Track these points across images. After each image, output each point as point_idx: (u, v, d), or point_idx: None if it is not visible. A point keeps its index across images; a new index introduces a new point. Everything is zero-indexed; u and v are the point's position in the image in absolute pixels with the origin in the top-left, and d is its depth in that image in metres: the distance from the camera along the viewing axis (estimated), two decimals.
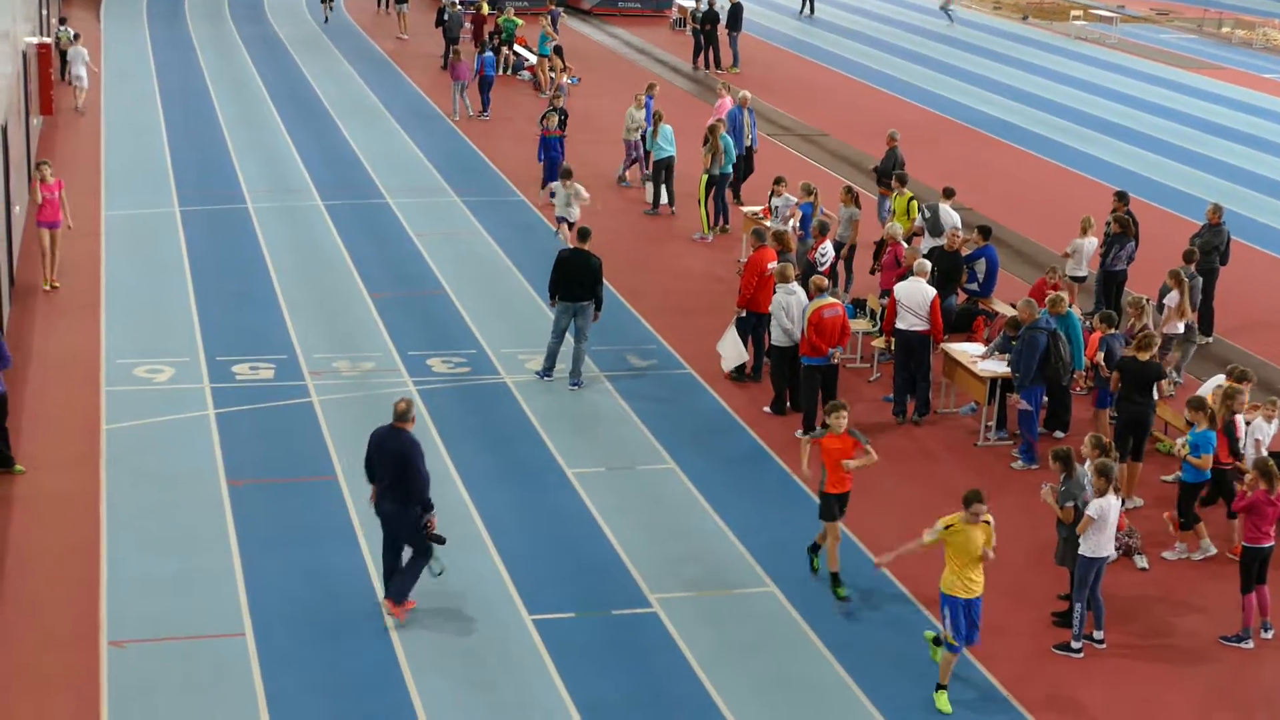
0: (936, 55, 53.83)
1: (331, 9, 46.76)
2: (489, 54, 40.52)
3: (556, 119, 32.40)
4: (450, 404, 21.54)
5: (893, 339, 22.16)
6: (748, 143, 32.34)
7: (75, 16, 50.69)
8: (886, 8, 65.73)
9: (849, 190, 26.76)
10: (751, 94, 34.00)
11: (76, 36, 41.00)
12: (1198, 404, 18.32)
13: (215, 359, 22.63)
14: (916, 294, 21.74)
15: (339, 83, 43.29)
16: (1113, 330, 20.71)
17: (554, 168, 30.88)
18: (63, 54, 39.96)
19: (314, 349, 23.21)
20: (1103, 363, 20.49)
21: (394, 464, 15.76)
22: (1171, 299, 22.51)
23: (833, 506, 16.91)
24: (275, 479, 19.07)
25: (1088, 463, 16.48)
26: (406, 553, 16.06)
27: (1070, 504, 16.09)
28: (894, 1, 67.98)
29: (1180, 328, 22.80)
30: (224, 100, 40.50)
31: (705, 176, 30.10)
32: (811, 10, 61.58)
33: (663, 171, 31.37)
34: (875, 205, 30.23)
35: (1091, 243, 25.31)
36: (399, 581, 16.02)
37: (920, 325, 21.69)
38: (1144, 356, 19.36)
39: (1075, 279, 24.93)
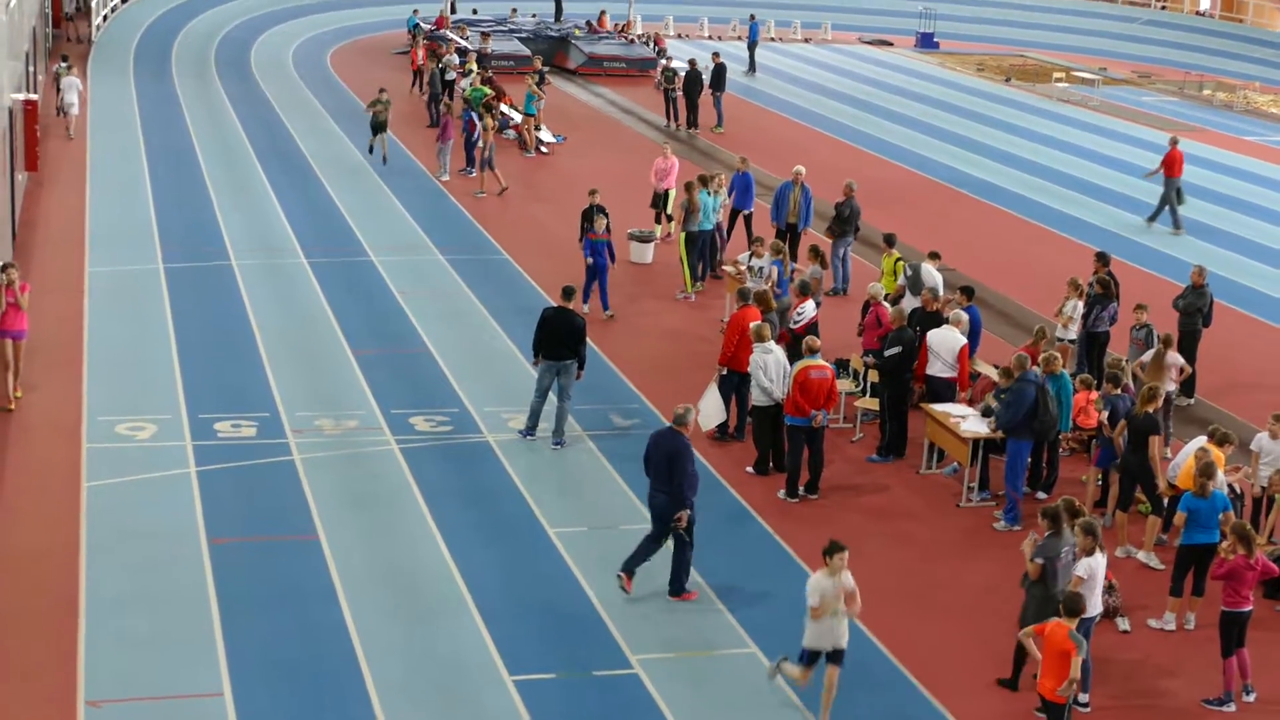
0: (921, 117, 54.08)
1: (379, 146, 40.37)
2: (473, 113, 40.49)
3: (605, 221, 28.49)
4: (433, 463, 21.50)
5: (923, 384, 22.87)
6: (793, 220, 31.38)
7: None
8: (867, 68, 66.07)
9: (814, 250, 26.99)
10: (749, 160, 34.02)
11: (70, 67, 43.91)
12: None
13: (197, 416, 22.58)
14: (948, 341, 22.43)
15: (324, 140, 43.39)
16: (1118, 391, 20.71)
17: (601, 273, 28.29)
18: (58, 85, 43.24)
19: (296, 407, 23.18)
20: (1106, 423, 20.47)
21: (666, 462, 17.61)
22: (1174, 359, 22.71)
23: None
24: (256, 537, 19.01)
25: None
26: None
27: (1039, 560, 16.04)
28: (876, 62, 68.36)
29: (1171, 388, 22.94)
30: (209, 157, 40.58)
31: (684, 234, 30.15)
32: (752, 69, 61.62)
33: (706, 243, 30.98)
34: (830, 253, 30.57)
35: (1079, 305, 25.40)
36: (674, 577, 17.91)
37: (948, 372, 22.39)
38: (1146, 409, 19.40)
39: (1068, 341, 24.99)
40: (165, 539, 18.76)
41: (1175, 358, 22.84)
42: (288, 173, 39.22)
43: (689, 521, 17.72)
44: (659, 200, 33.29)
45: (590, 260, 28.30)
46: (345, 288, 29.43)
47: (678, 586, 17.96)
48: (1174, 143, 39.06)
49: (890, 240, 27.98)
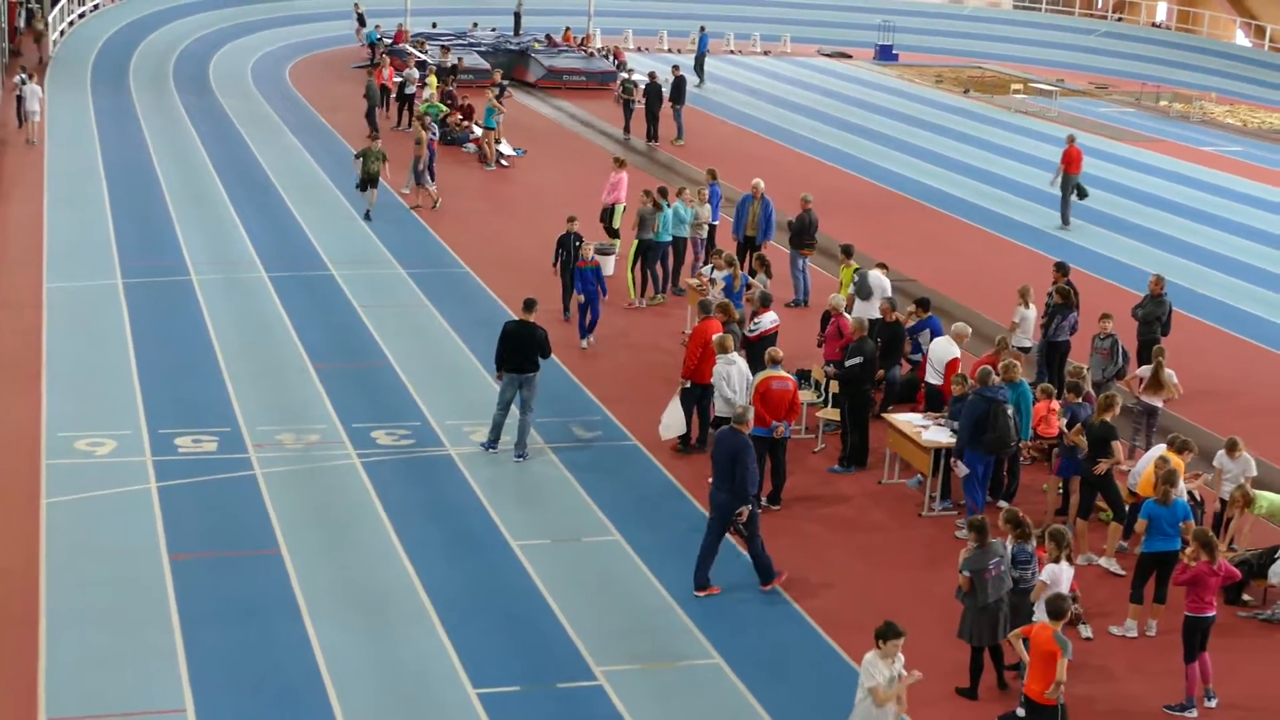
0: (880, 129, 54.27)
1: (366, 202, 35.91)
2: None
3: (593, 248, 28.20)
4: (395, 476, 21.45)
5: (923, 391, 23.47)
6: (751, 233, 31.35)
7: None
8: (826, 80, 66.28)
9: (761, 259, 27.41)
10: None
11: (31, 75, 44.46)
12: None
13: (157, 432, 22.47)
14: (939, 351, 22.88)
15: (284, 155, 43.28)
16: (1078, 400, 20.79)
17: (592, 302, 27.23)
18: (18, 98, 43.33)
19: (257, 421, 23.09)
20: (1067, 430, 20.57)
21: (728, 460, 18.26)
22: (1144, 371, 22.82)
23: None
24: (218, 553, 18.92)
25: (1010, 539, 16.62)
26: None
27: (966, 573, 16.12)
28: (835, 74, 68.59)
29: (1159, 402, 23.07)
30: (168, 171, 40.42)
31: (636, 243, 30.14)
32: (701, 80, 61.68)
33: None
34: (789, 264, 30.84)
35: (1033, 312, 25.57)
36: (760, 565, 18.73)
37: (938, 380, 22.84)
38: (1103, 418, 19.48)
39: (1021, 349, 25.09)
40: (126, 555, 18.65)
41: (1171, 374, 22.94)
42: (247, 187, 39.10)
43: (750, 516, 18.40)
44: (606, 214, 33.27)
45: (581, 295, 27.20)
46: (305, 302, 29.34)
47: (766, 575, 18.74)
48: (1071, 140, 40.04)
49: (848, 251, 28.10)
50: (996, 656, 16.68)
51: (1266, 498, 19.78)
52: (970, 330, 23.44)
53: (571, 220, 28.73)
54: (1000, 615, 16.28)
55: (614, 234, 33.07)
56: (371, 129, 34.11)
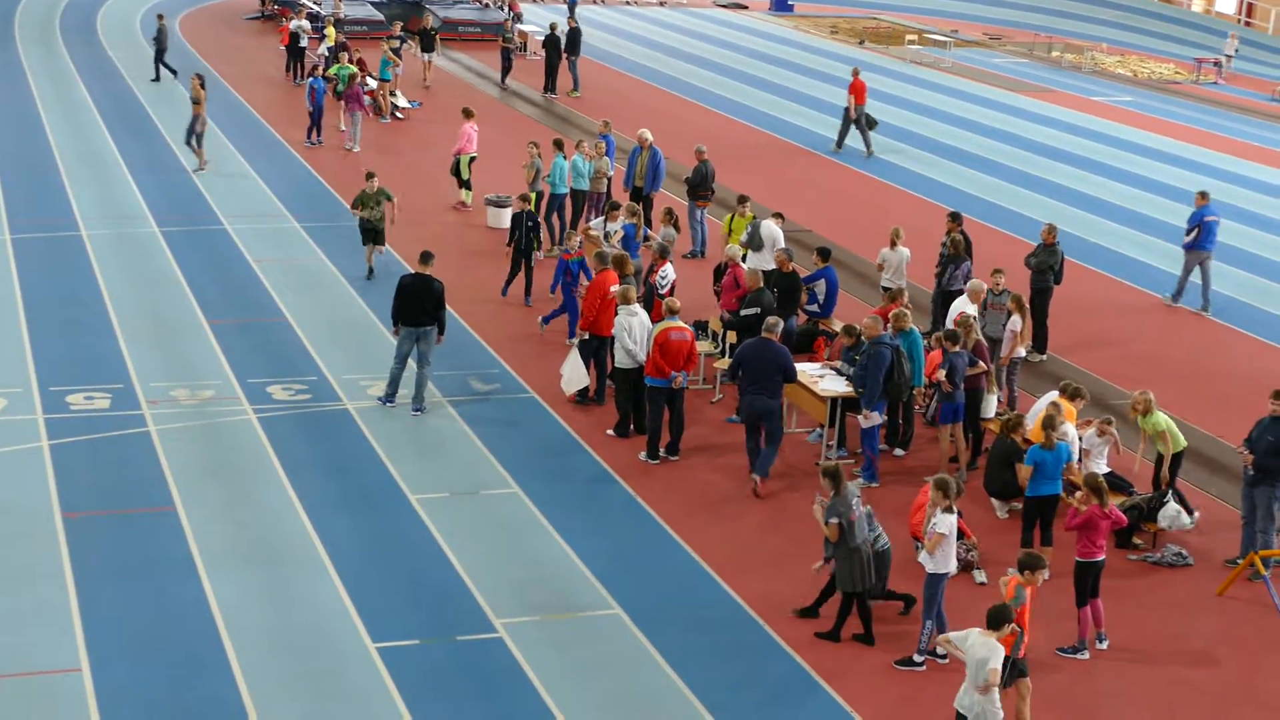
0: (776, 79, 54.38)
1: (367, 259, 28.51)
2: (319, 80, 39.86)
3: (578, 239, 26.41)
4: (291, 431, 21.32)
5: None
6: (639, 184, 31.42)
7: None
8: (722, 31, 66.28)
9: (669, 212, 27.11)
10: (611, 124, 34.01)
11: None
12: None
13: (48, 389, 22.18)
14: (955, 310, 22.89)
15: (175, 107, 42.66)
16: (956, 348, 20.99)
17: (570, 301, 25.03)
18: None
19: (151, 378, 22.85)
20: (944, 379, 20.80)
21: (773, 369, 20.17)
22: (1014, 324, 22.88)
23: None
24: (112, 510, 18.73)
25: (856, 483, 16.83)
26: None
27: (834, 520, 16.30)
28: (731, 25, 68.58)
29: (1022, 352, 23.24)
30: (56, 125, 39.77)
31: (534, 195, 30.06)
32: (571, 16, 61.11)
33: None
34: (687, 215, 30.94)
35: (899, 254, 25.72)
36: (765, 461, 20.32)
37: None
38: (1013, 436, 19.53)
39: (885, 290, 25.25)
40: (17, 514, 18.43)
41: (1016, 322, 22.96)
42: (138, 141, 38.55)
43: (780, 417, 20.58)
44: (455, 166, 33.31)
45: (561, 293, 25.28)
46: (199, 257, 29.02)
47: (766, 469, 20.43)
48: (856, 73, 42.43)
49: (743, 200, 28.12)
50: (861, 603, 16.79)
51: (1163, 419, 20.05)
52: (985, 287, 23.38)
53: (524, 199, 27.46)
54: (868, 558, 16.44)
55: (464, 184, 33.41)
56: (367, 176, 28.25)
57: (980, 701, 13.72)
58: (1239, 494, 19.47)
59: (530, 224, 26.90)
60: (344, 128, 39.06)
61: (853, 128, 42.38)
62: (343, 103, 39.27)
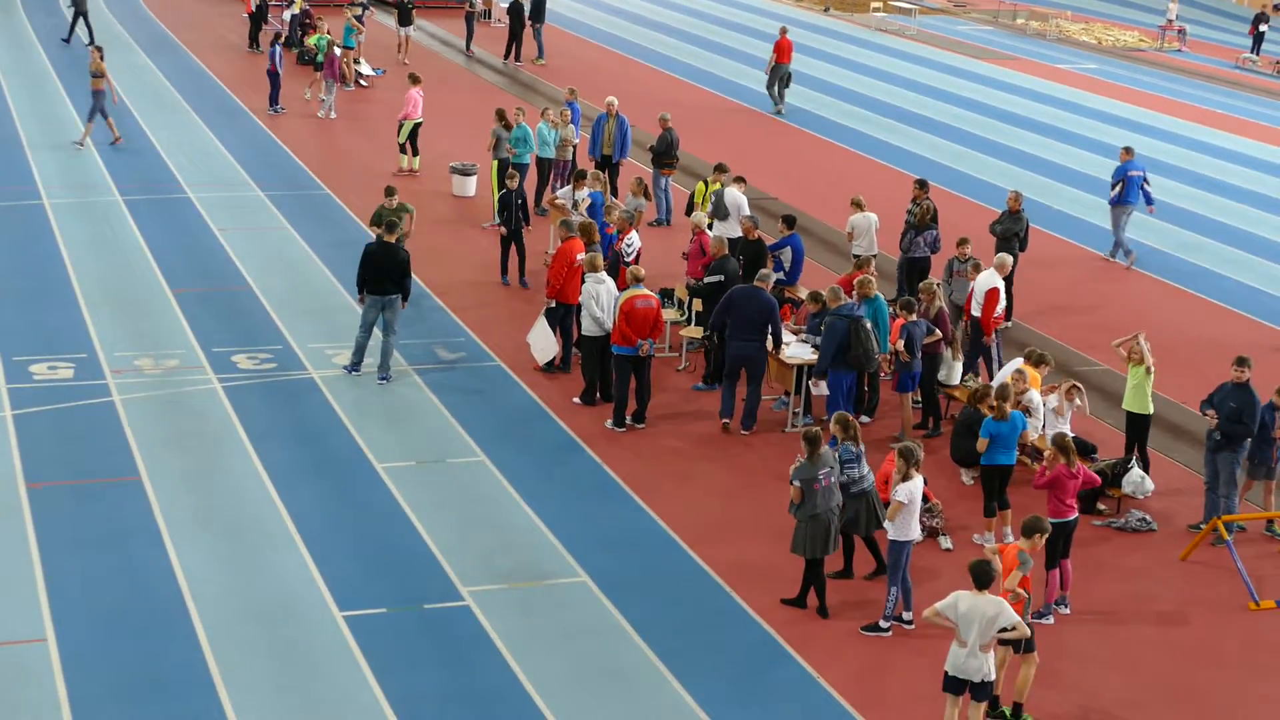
0: (740, 47, 54.29)
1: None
2: (277, 48, 39.54)
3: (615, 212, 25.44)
4: (257, 401, 21.25)
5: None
6: (608, 151, 31.34)
7: None
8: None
9: (639, 181, 27.09)
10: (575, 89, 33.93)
11: None
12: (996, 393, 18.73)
13: (12, 359, 22.05)
14: (981, 283, 22.74)
15: (137, 75, 42.39)
16: (913, 317, 21.05)
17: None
18: None
19: (115, 347, 22.74)
20: (903, 349, 20.86)
21: (760, 315, 20.83)
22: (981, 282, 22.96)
23: None
24: (76, 480, 18.65)
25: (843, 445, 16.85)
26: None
27: (796, 483, 16.34)
28: None
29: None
30: (17, 94, 39.43)
31: (495, 164, 29.96)
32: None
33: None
34: (652, 184, 30.83)
35: (868, 219, 25.74)
36: (750, 413, 21.09)
37: (977, 312, 22.82)
38: (978, 406, 19.50)
39: (855, 258, 25.28)
40: None
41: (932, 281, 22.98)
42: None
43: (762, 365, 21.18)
44: (400, 131, 33.33)
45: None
46: (162, 226, 28.86)
47: (749, 422, 21.22)
48: (784, 31, 43.69)
49: (721, 169, 27.93)
50: (816, 571, 16.80)
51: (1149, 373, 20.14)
52: (1012, 260, 23.40)
53: (512, 178, 26.67)
54: (830, 527, 16.45)
55: (414, 150, 33.48)
56: (387, 192, 25.33)
57: (984, 658, 13.86)
58: (1202, 460, 19.59)
59: (520, 202, 26.30)
60: (323, 96, 38.83)
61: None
62: (321, 72, 39.06)
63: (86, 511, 17.88)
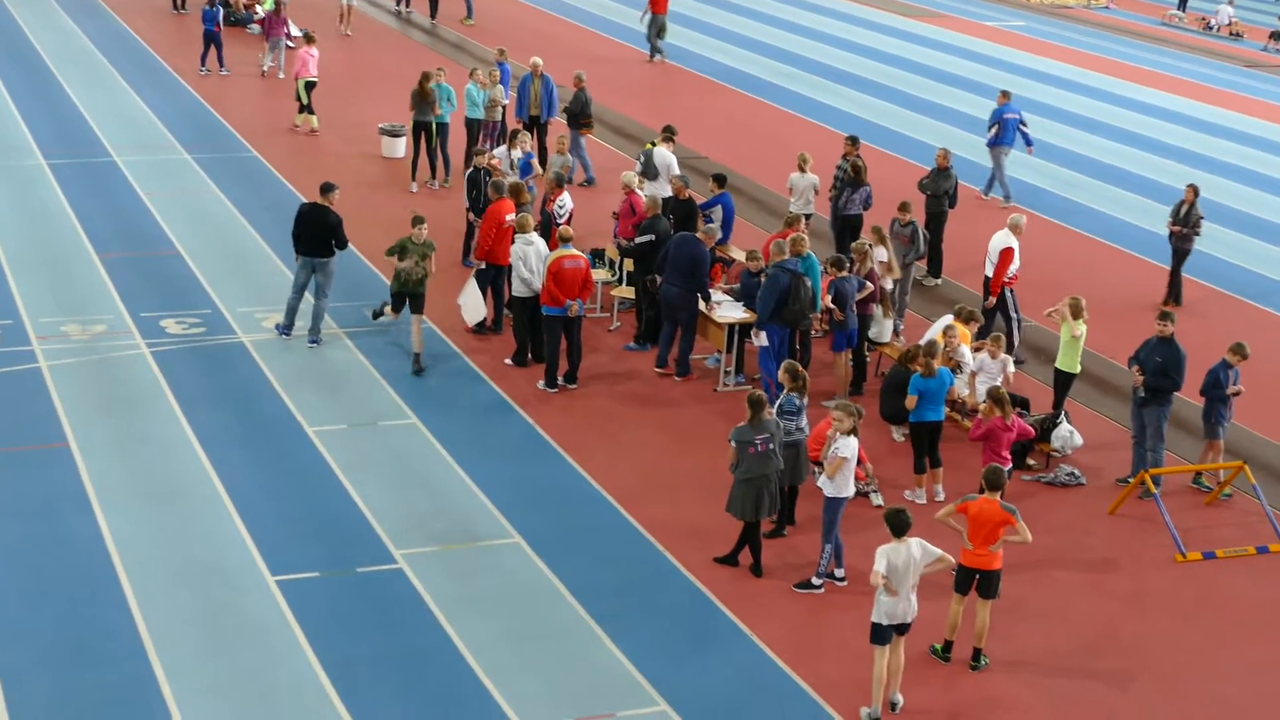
0: (675, 6, 54.04)
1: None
2: (213, 9, 39.16)
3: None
4: (186, 365, 21.10)
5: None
6: (535, 112, 31.15)
7: None
8: None
9: (561, 139, 27.43)
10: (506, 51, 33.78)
11: None
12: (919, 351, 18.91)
13: None
14: (995, 242, 23.01)
15: (61, 38, 41.88)
16: (843, 274, 21.12)
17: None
18: None
19: (41, 313, 22.53)
20: (833, 305, 20.94)
21: (689, 263, 21.19)
22: (879, 254, 22.86)
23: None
24: (3, 448, 18.48)
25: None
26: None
27: (732, 444, 16.42)
28: None
29: (889, 284, 23.24)
30: None
31: (412, 125, 29.79)
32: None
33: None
34: (570, 145, 30.58)
35: (808, 179, 25.79)
36: (682, 360, 21.66)
37: (989, 270, 23.08)
38: (909, 365, 19.54)
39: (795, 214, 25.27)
40: None
41: (880, 253, 22.90)
42: (22, 70, 37.80)
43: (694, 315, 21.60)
44: (298, 90, 33.21)
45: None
46: (88, 189, 28.57)
47: (685, 367, 21.88)
48: None
49: (669, 132, 27.55)
50: (753, 532, 16.88)
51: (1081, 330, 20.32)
52: (1025, 220, 23.50)
53: (479, 154, 25.77)
54: (763, 492, 16.48)
55: (308, 110, 33.31)
56: (414, 221, 21.85)
57: (912, 598, 14.28)
58: (1129, 414, 19.79)
59: (488, 178, 24.62)
60: (269, 60, 38.45)
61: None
62: (266, 32, 38.79)
63: (14, 478, 17.73)
